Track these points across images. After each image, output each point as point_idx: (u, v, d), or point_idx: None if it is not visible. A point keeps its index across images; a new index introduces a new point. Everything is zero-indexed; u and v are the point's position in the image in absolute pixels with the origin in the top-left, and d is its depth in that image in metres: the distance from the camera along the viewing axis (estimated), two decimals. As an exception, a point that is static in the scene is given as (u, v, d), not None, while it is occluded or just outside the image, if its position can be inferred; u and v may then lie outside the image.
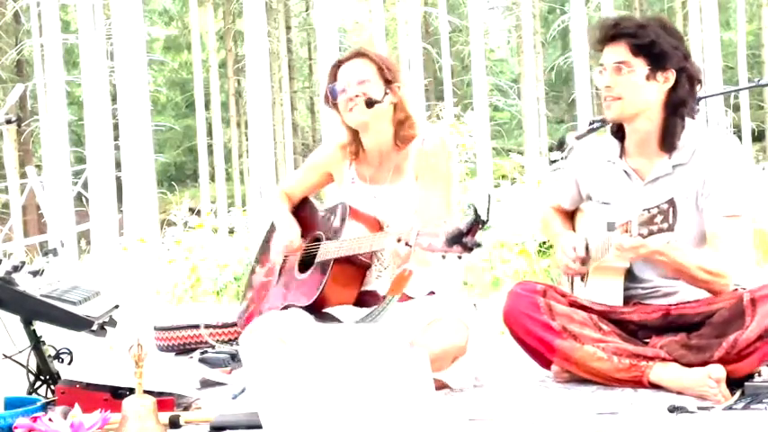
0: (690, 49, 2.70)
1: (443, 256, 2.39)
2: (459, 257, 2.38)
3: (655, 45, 2.52)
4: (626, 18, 2.63)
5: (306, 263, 2.95)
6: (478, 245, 2.34)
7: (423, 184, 2.82)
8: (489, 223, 2.39)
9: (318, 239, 2.95)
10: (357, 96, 2.82)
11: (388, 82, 2.85)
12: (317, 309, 2.82)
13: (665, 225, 2.26)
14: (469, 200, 6.82)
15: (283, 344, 2.64)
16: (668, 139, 2.58)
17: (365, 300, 2.85)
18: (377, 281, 2.84)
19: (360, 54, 2.88)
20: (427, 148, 2.84)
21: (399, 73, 2.90)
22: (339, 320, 2.82)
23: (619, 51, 2.56)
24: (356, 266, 2.82)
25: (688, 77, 2.57)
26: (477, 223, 2.32)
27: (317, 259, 2.87)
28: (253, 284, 3.24)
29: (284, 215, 3.06)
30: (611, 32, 2.58)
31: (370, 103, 2.81)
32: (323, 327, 2.73)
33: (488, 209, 2.34)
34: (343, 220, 2.84)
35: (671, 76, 2.55)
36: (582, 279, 2.81)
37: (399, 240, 2.53)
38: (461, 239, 2.32)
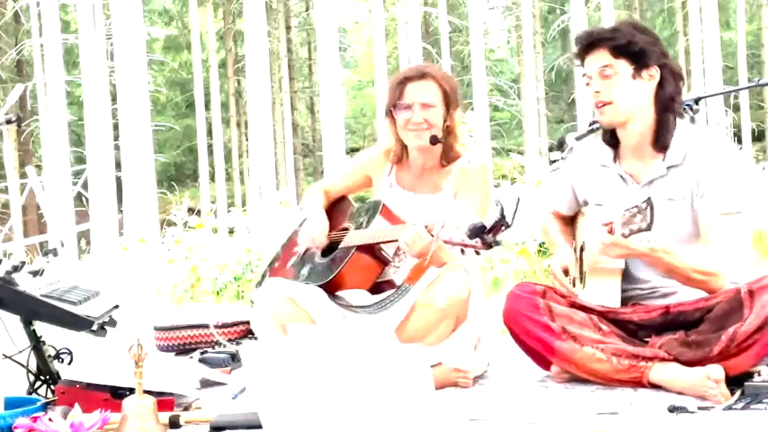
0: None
1: (462, 251, 2.43)
2: (478, 253, 2.44)
3: (632, 44, 2.59)
4: (599, 27, 2.72)
5: (329, 249, 3.01)
6: (498, 243, 2.38)
7: (462, 200, 2.88)
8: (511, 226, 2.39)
9: (347, 229, 3.01)
10: (422, 125, 2.87)
11: (447, 106, 2.90)
12: (331, 290, 2.87)
13: (644, 224, 2.31)
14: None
15: (292, 303, 2.77)
16: (661, 138, 2.63)
17: (380, 287, 2.91)
18: (394, 276, 2.90)
19: (429, 75, 2.91)
20: (472, 168, 2.93)
21: (460, 97, 2.98)
22: (351, 304, 2.86)
23: (600, 57, 2.62)
24: (376, 259, 2.87)
25: (671, 73, 2.63)
26: (501, 223, 2.34)
27: (341, 245, 2.93)
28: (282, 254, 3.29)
29: (317, 210, 3.10)
30: (588, 41, 2.65)
31: (434, 141, 2.89)
32: (333, 306, 2.81)
33: (515, 212, 2.36)
34: (373, 214, 2.91)
35: (655, 72, 2.61)
36: (581, 280, 2.81)
37: (426, 227, 2.59)
38: (482, 234, 2.35)
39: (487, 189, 2.95)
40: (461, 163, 2.95)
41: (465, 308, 2.74)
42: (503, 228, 2.35)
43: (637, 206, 2.33)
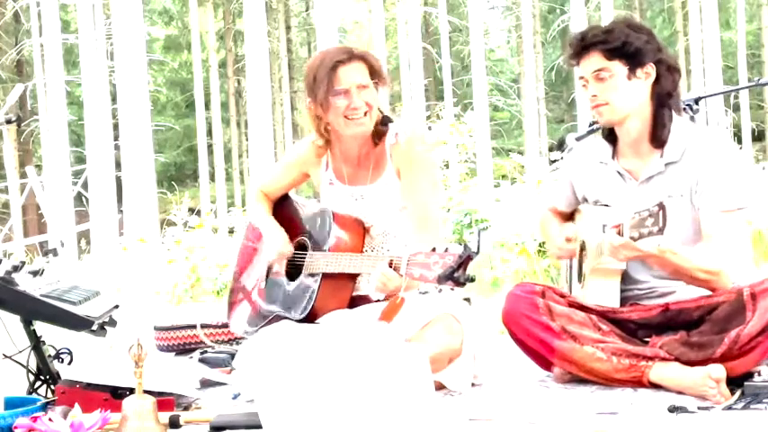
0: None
1: (439, 289, 2.38)
2: (452, 290, 2.39)
3: (626, 45, 2.58)
4: (592, 28, 2.69)
5: (293, 270, 2.92)
6: (471, 279, 2.35)
7: (406, 178, 2.80)
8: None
9: (303, 246, 2.91)
10: (362, 108, 2.73)
11: (373, 79, 2.79)
12: (309, 320, 2.78)
13: (656, 228, 2.28)
14: (470, 201, 6.81)
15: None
16: (657, 132, 2.62)
17: (356, 303, 2.84)
18: (367, 285, 2.80)
19: (355, 56, 2.76)
20: (402, 142, 2.81)
21: (386, 73, 2.86)
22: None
23: (594, 60, 2.61)
24: (346, 277, 2.79)
25: (668, 68, 2.62)
26: (468, 258, 2.33)
27: (305, 270, 2.84)
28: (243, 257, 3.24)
29: (269, 224, 3.01)
30: (582, 45, 2.64)
31: (385, 122, 2.80)
32: (314, 334, 2.72)
33: (479, 241, 2.36)
34: (327, 228, 2.81)
35: (651, 70, 2.60)
36: (579, 281, 2.81)
37: (391, 264, 2.52)
38: (453, 275, 2.33)
39: (428, 157, 2.85)
40: (390, 139, 2.82)
41: (458, 351, 2.67)
42: (470, 261, 2.33)
43: (648, 209, 2.30)
